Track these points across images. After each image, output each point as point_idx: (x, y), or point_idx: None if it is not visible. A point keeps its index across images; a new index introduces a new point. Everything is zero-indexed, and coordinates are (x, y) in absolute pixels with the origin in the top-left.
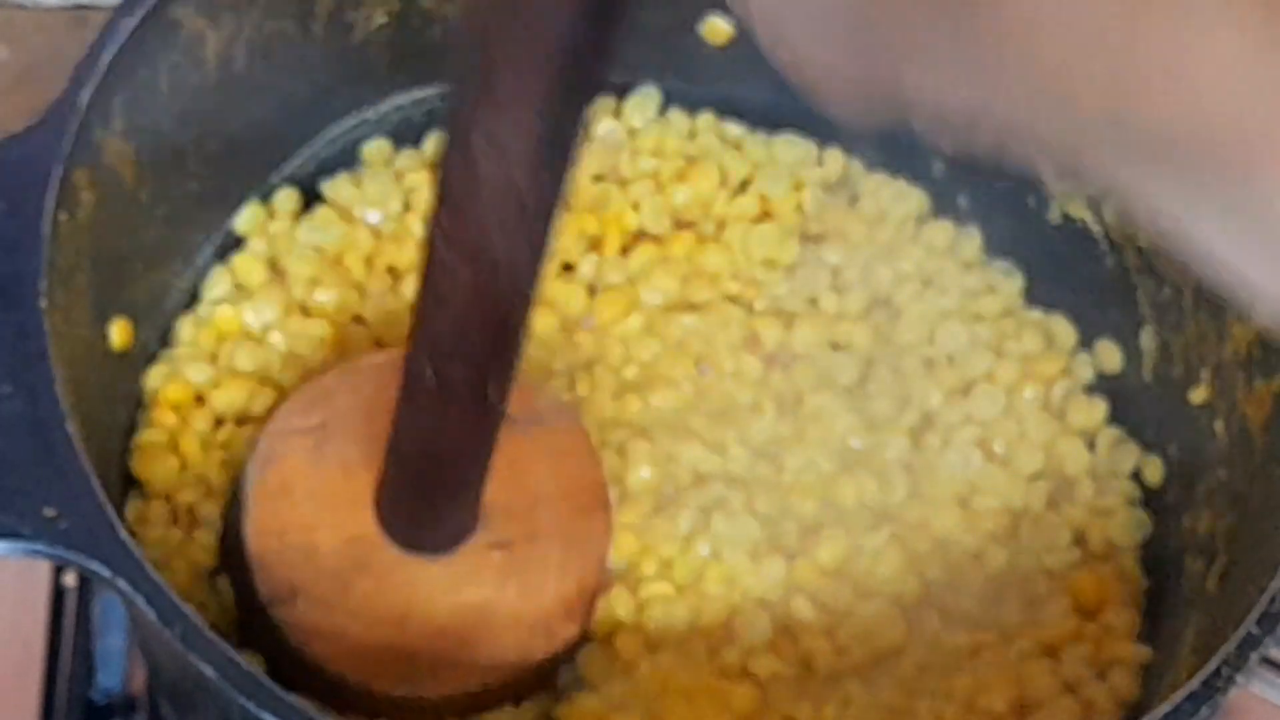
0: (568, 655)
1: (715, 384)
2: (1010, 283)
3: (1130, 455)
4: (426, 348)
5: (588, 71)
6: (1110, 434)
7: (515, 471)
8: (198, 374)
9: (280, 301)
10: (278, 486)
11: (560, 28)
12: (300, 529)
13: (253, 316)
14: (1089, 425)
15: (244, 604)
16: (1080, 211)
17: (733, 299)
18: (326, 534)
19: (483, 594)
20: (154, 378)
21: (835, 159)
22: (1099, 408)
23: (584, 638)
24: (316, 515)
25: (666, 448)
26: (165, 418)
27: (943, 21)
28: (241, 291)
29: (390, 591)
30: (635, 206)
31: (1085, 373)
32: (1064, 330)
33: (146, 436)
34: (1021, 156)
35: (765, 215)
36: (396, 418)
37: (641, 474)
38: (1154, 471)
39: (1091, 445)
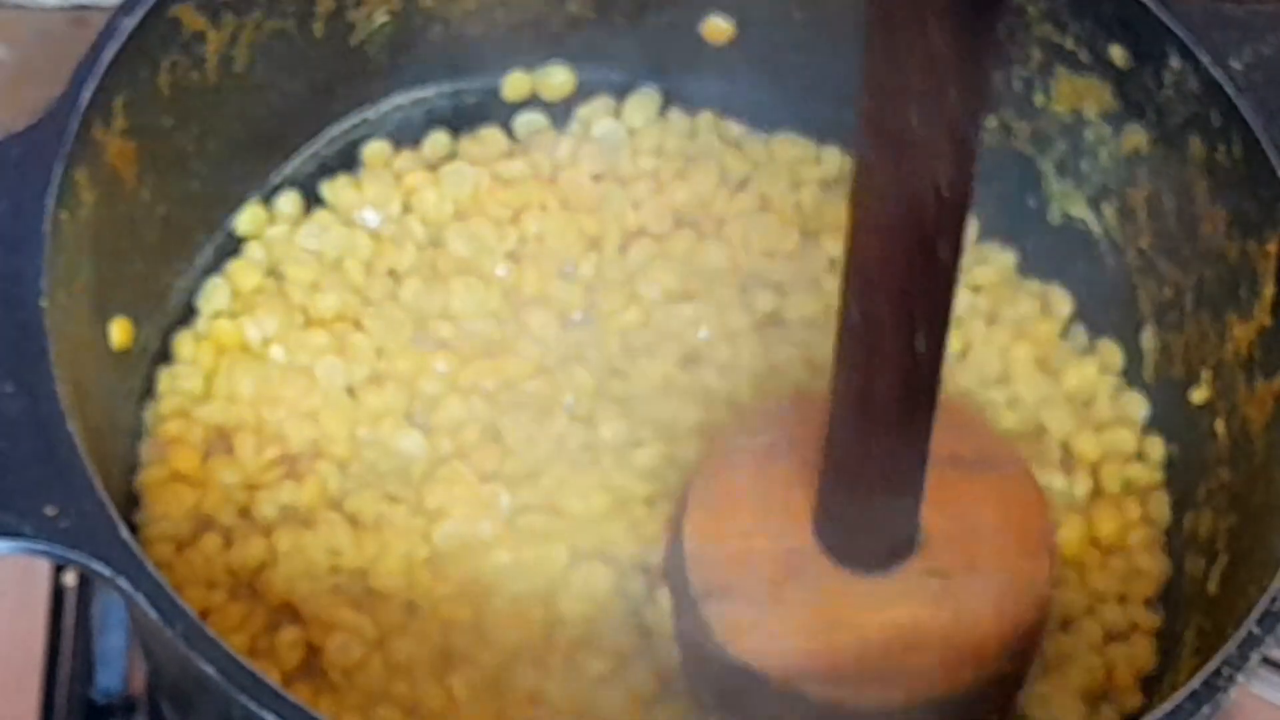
0: (999, 695)
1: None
2: (1004, 257)
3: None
4: (850, 279)
5: None
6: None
7: (960, 507)
8: (197, 405)
9: (280, 311)
10: (721, 495)
11: None
12: (739, 535)
13: (254, 330)
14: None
15: (676, 608)
16: (1081, 212)
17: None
18: (763, 541)
19: (914, 615)
20: (153, 413)
21: (833, 157)
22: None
23: (1017, 679)
24: (755, 524)
25: None
26: (169, 454)
27: None
28: (240, 302)
29: (822, 599)
30: (635, 205)
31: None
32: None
33: (151, 474)
34: None
35: (764, 213)
36: (832, 388)
37: None
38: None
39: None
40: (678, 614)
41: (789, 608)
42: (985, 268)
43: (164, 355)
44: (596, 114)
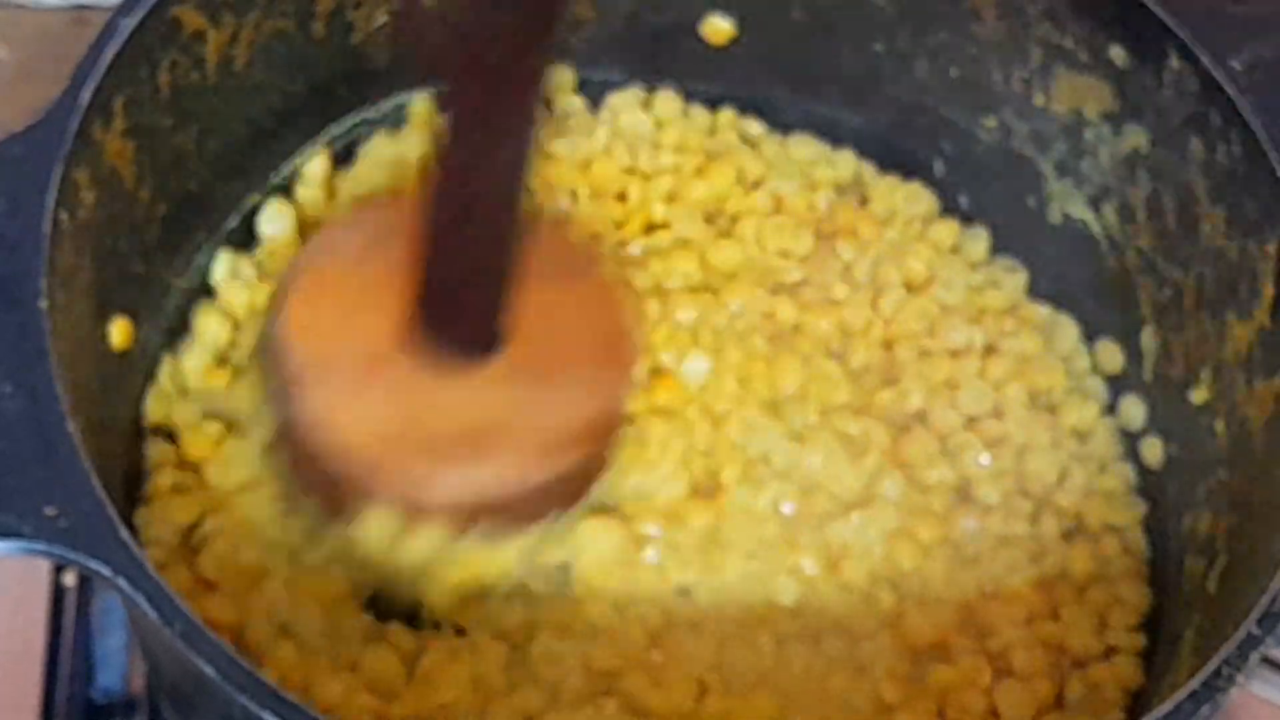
0: (574, 485)
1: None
2: (1014, 280)
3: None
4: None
5: None
6: (1104, 425)
7: (544, 314)
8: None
9: None
10: (314, 288)
11: None
12: (330, 327)
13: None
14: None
15: (271, 396)
16: (1081, 212)
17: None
18: (357, 335)
19: (494, 412)
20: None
21: (848, 160)
22: (1091, 406)
23: (594, 471)
24: (347, 318)
25: None
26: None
27: None
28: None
29: (408, 393)
30: (662, 198)
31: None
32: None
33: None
34: None
35: (778, 212)
36: (430, 190)
37: None
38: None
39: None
40: (268, 400)
41: (374, 400)
42: (995, 292)
43: (164, 355)
44: (626, 104)
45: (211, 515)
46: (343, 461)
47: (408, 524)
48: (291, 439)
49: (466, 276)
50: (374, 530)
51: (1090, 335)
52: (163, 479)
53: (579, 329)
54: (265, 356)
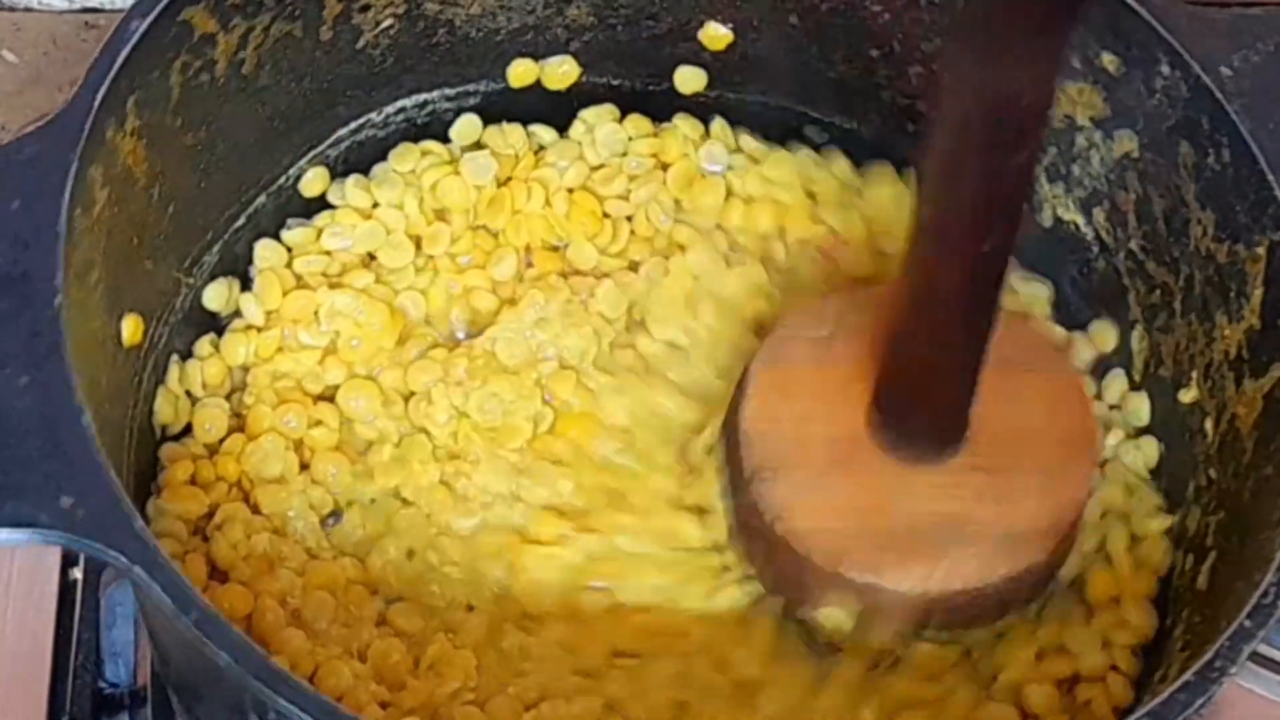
0: (1031, 588)
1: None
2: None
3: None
4: (929, 186)
5: None
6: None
7: (1006, 406)
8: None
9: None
10: (779, 381)
11: None
12: (794, 419)
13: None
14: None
15: (732, 487)
16: (1072, 215)
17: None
18: (818, 427)
19: (956, 507)
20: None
21: (841, 166)
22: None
23: (1051, 572)
24: (811, 410)
25: None
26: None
27: None
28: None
29: (869, 486)
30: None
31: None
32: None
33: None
34: None
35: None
36: (900, 285)
37: None
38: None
39: None
40: (730, 492)
41: (836, 492)
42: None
43: (176, 350)
44: (600, 118)
45: (224, 506)
46: (805, 552)
47: (866, 617)
48: (754, 529)
49: (934, 371)
50: (832, 622)
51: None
52: (175, 471)
53: (1040, 421)
54: (727, 447)
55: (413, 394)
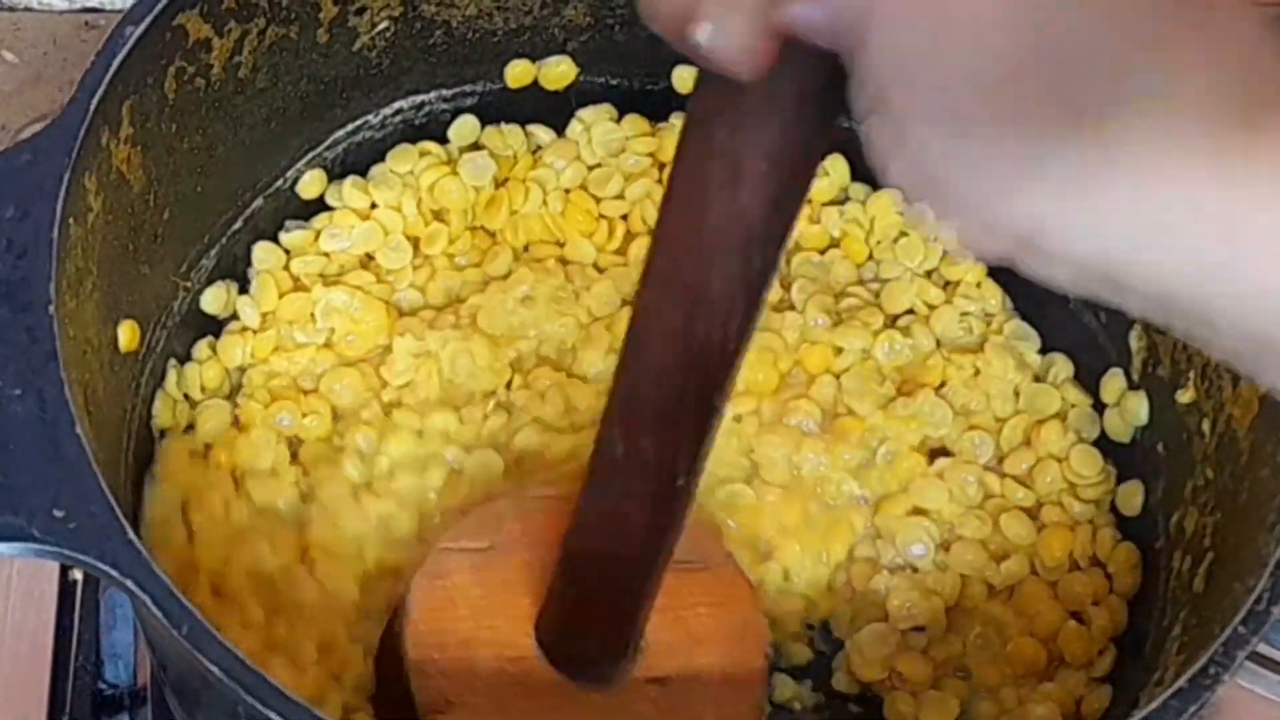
0: None
1: None
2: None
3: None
4: (619, 415)
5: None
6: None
7: (677, 612)
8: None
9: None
10: (442, 600)
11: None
12: (460, 644)
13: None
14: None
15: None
16: None
17: None
18: (486, 651)
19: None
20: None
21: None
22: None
23: None
24: (477, 632)
25: None
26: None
27: (1066, 138)
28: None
29: (546, 714)
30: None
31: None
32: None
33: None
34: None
35: None
36: (577, 506)
37: None
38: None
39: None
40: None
41: (509, 713)
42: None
43: (174, 354)
44: (598, 118)
45: (219, 515)
46: None
47: None
48: None
49: (606, 597)
50: None
51: (1079, 336)
52: (171, 477)
53: (710, 623)
54: (389, 675)
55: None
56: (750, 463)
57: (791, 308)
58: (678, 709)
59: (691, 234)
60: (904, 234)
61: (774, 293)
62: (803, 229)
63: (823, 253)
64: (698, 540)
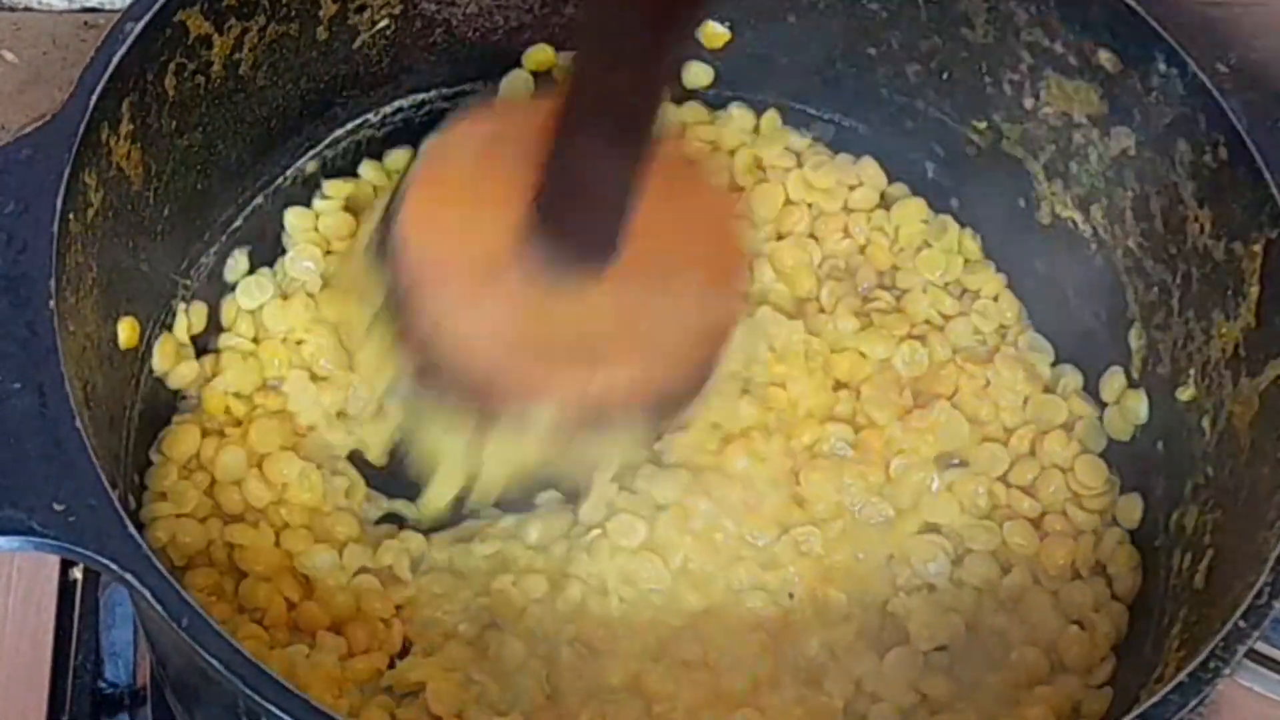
0: (681, 400)
1: None
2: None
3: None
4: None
5: None
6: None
7: (658, 221)
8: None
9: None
10: (440, 183)
11: None
12: (449, 229)
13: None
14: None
15: (389, 297)
16: (1070, 213)
17: None
18: (477, 234)
19: (609, 320)
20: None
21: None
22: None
23: (700, 384)
24: (471, 215)
25: None
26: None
27: None
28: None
29: (524, 298)
30: None
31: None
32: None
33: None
34: None
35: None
36: (567, 89)
37: None
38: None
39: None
40: (388, 294)
41: (494, 302)
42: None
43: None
44: None
45: (217, 509)
46: (462, 362)
47: (521, 424)
48: (410, 337)
49: (592, 183)
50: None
51: (1079, 335)
52: (170, 473)
53: (692, 238)
54: (381, 254)
55: None
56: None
57: (822, 310)
58: (653, 308)
59: None
60: (927, 244)
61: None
62: (831, 236)
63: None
64: (691, 167)
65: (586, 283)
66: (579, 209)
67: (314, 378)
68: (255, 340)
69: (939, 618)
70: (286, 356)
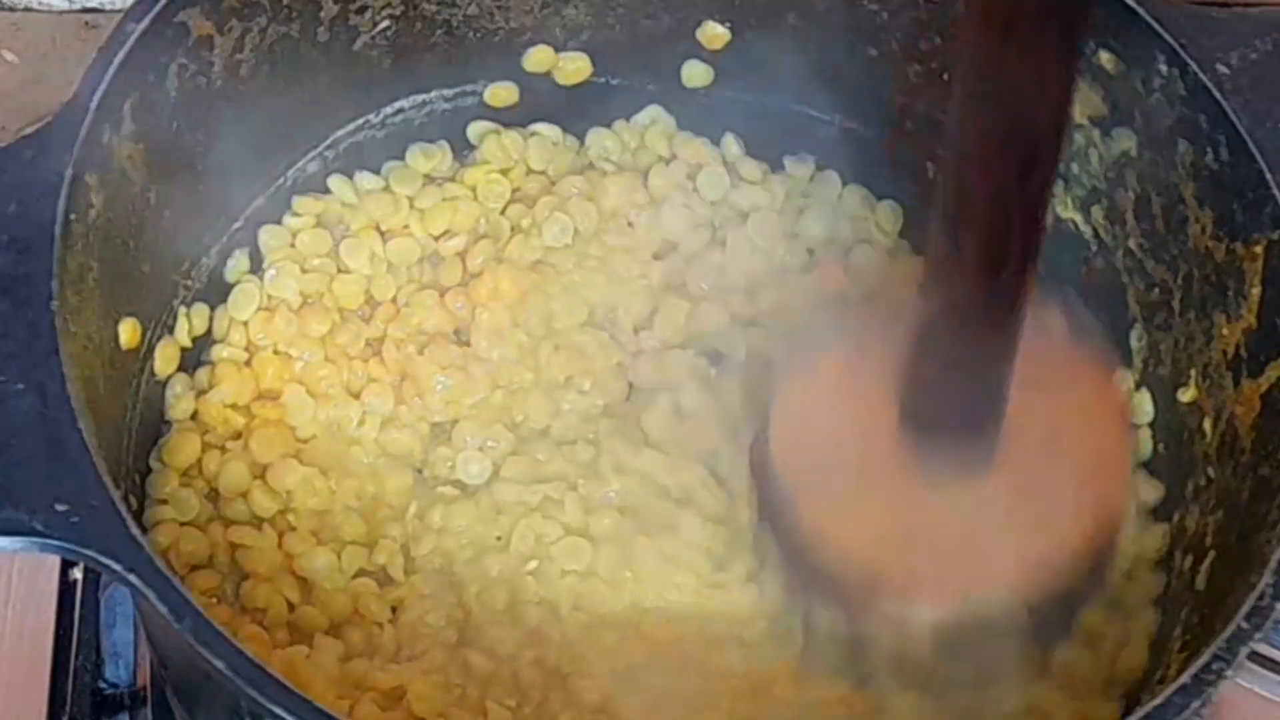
0: (1064, 611)
1: None
2: None
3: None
4: (945, 209)
5: None
6: None
7: (1042, 422)
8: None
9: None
10: (807, 398)
11: None
12: (824, 441)
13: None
14: None
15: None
16: (1071, 214)
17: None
18: (849, 446)
19: (989, 525)
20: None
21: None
22: None
23: (1084, 596)
24: (841, 427)
25: None
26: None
27: None
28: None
29: (902, 501)
30: None
31: None
32: None
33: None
34: None
35: None
36: (921, 304)
37: None
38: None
39: None
40: (764, 513)
41: (871, 513)
42: None
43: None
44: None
45: (219, 515)
46: (841, 569)
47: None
48: (790, 548)
49: (962, 379)
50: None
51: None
52: (171, 480)
53: (1076, 437)
54: (756, 468)
55: None
56: None
57: None
58: (1030, 518)
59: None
60: None
61: None
62: None
63: None
64: (1068, 357)
65: (963, 487)
66: (948, 409)
67: (311, 394)
68: (248, 351)
69: None
70: (279, 369)
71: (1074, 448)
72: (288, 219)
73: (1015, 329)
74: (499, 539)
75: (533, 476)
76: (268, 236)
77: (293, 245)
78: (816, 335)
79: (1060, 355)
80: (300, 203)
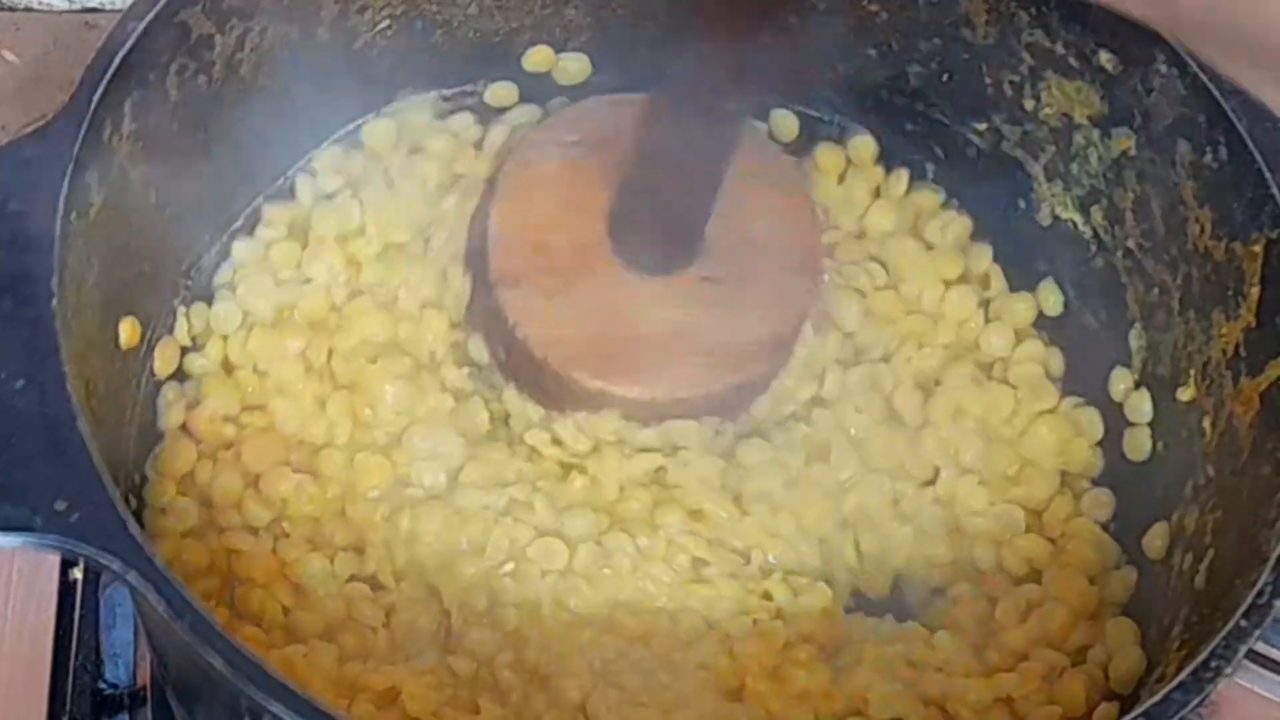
0: (747, 396)
1: None
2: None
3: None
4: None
5: None
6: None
7: (739, 219)
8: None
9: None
10: (528, 183)
11: None
12: (539, 226)
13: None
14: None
15: (477, 289)
16: (1071, 214)
17: None
18: (561, 235)
19: (687, 316)
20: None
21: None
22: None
23: (766, 382)
24: (556, 216)
25: None
26: (177, 450)
27: None
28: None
29: (606, 294)
30: None
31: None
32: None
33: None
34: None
35: None
36: (645, 115)
37: None
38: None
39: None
40: (475, 296)
41: (574, 299)
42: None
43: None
44: None
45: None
46: (543, 358)
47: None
48: (497, 328)
49: (673, 186)
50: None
51: (1079, 335)
52: (168, 489)
53: (771, 235)
54: (472, 250)
55: None
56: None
57: None
58: (726, 310)
59: None
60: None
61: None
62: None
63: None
64: (770, 159)
65: (665, 281)
66: (657, 214)
67: (294, 404)
68: (225, 368)
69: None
70: (259, 384)
71: (768, 245)
72: (260, 230)
73: (735, 133)
74: (467, 544)
75: (494, 480)
76: (242, 250)
77: (266, 257)
78: (550, 122)
79: (756, 166)
80: (271, 211)
